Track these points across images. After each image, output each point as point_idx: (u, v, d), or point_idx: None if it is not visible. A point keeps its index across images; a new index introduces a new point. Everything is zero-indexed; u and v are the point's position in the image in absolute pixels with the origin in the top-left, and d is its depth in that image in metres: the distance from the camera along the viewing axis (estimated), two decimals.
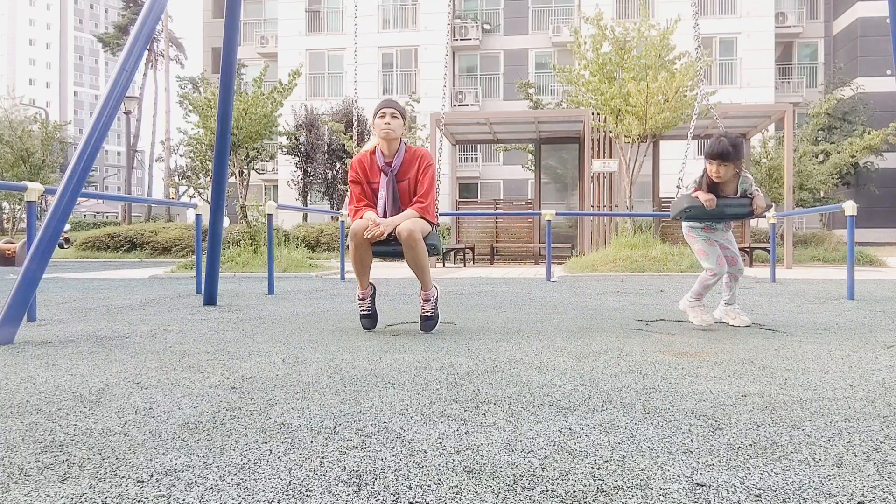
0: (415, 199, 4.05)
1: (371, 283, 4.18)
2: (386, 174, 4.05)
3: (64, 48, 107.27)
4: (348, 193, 4.26)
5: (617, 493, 1.45)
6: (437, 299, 4.09)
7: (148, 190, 52.92)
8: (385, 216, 4.04)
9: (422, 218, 4.04)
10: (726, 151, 3.99)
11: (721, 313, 4.45)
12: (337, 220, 19.35)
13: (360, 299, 4.15)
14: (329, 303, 5.89)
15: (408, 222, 3.90)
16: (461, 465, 1.63)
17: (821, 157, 23.23)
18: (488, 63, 32.85)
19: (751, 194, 4.19)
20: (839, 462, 1.65)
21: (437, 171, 4.28)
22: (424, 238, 3.95)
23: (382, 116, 4.02)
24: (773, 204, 4.69)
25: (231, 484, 1.51)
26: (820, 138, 26.20)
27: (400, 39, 31.37)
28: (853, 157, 21.81)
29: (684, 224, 4.43)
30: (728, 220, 4.34)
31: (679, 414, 2.10)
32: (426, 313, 4.04)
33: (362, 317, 4.15)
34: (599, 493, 1.45)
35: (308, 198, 26.19)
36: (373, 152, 4.14)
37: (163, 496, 1.44)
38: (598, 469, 1.60)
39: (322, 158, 24.50)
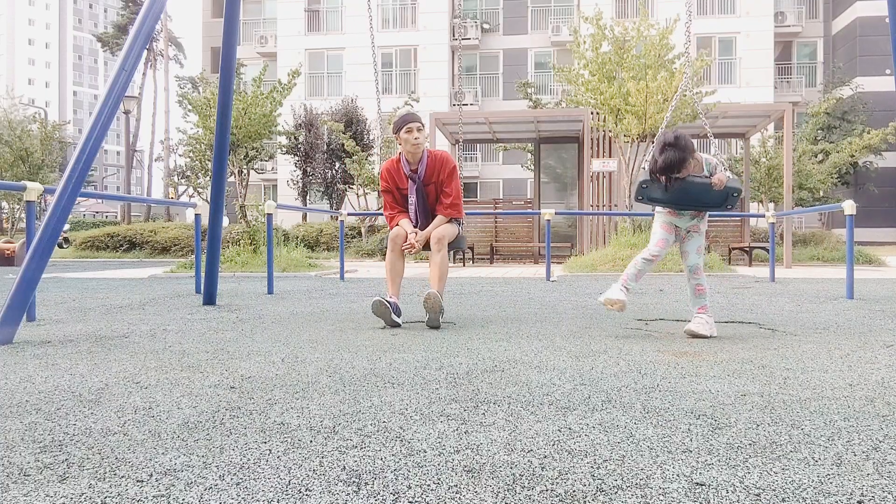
0: (444, 201, 4.32)
1: (398, 304, 4.20)
2: (414, 181, 4.32)
3: (63, 48, 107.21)
4: (381, 201, 4.67)
5: (616, 492, 1.45)
6: (442, 303, 4.19)
7: (147, 190, 52.90)
8: (416, 220, 4.38)
9: (450, 221, 4.37)
10: (678, 161, 3.61)
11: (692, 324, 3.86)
12: (336, 219, 19.34)
13: (387, 296, 4.26)
14: (328, 302, 5.89)
15: (439, 230, 4.25)
16: (461, 464, 1.63)
17: (820, 157, 23.25)
18: (488, 63, 32.85)
19: (711, 174, 3.77)
20: (838, 461, 1.65)
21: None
22: (454, 241, 4.34)
23: (409, 132, 4.22)
24: (736, 178, 3.84)
25: (230, 483, 1.51)
26: (819, 138, 26.23)
27: (399, 39, 31.37)
28: (852, 156, 21.84)
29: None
30: (694, 207, 3.86)
31: (678, 413, 2.10)
32: (434, 296, 4.02)
33: (380, 303, 4.05)
34: (599, 493, 1.45)
35: (307, 197, 26.17)
36: (398, 160, 4.39)
37: (162, 496, 1.44)
38: (598, 468, 1.60)
39: (321, 158, 24.46)
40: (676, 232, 3.97)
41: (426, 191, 4.34)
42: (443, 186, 4.32)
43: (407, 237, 4.23)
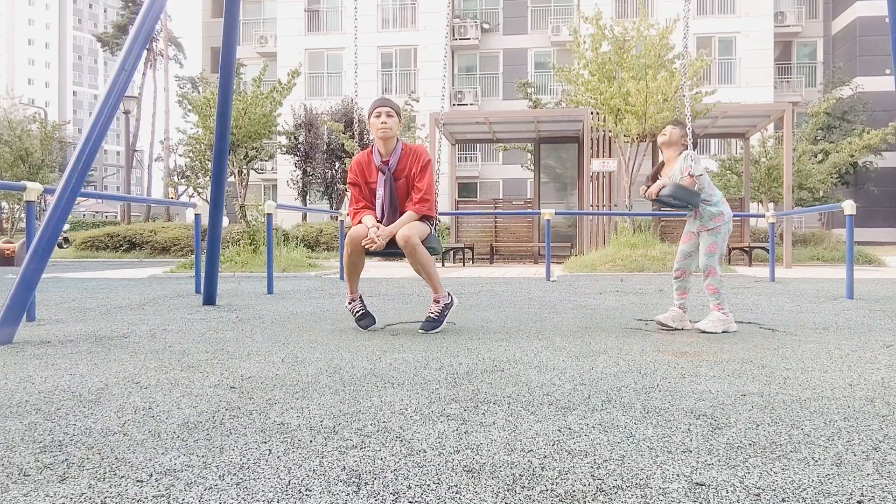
0: (415, 197, 4.02)
1: (360, 298, 4.23)
2: (383, 173, 4.04)
3: (63, 48, 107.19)
4: (349, 194, 4.28)
5: (616, 492, 1.45)
6: (447, 306, 4.05)
7: (147, 190, 52.89)
8: (383, 215, 4.05)
9: (422, 219, 4.04)
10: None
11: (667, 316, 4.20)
12: (336, 219, 19.34)
13: (350, 302, 4.18)
14: (328, 302, 5.89)
15: (404, 228, 3.89)
16: (461, 464, 1.63)
17: (820, 157, 23.27)
18: (487, 62, 32.84)
19: (682, 171, 4.08)
20: (838, 461, 1.65)
21: (436, 169, 4.29)
22: (423, 241, 3.96)
23: (378, 116, 4.01)
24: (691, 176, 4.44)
25: (230, 483, 1.51)
26: (819, 138, 26.23)
27: (399, 39, 31.37)
28: (852, 156, 21.84)
29: None
30: (668, 206, 4.28)
31: (678, 413, 2.10)
32: (431, 314, 4.02)
33: (360, 318, 4.15)
34: (599, 493, 1.45)
35: (307, 197, 26.18)
36: (370, 152, 4.13)
37: (162, 496, 1.44)
38: (598, 468, 1.60)
39: (321, 158, 24.49)
40: (691, 237, 4.27)
41: (396, 185, 4.03)
42: (415, 181, 4.02)
43: (368, 233, 3.89)
